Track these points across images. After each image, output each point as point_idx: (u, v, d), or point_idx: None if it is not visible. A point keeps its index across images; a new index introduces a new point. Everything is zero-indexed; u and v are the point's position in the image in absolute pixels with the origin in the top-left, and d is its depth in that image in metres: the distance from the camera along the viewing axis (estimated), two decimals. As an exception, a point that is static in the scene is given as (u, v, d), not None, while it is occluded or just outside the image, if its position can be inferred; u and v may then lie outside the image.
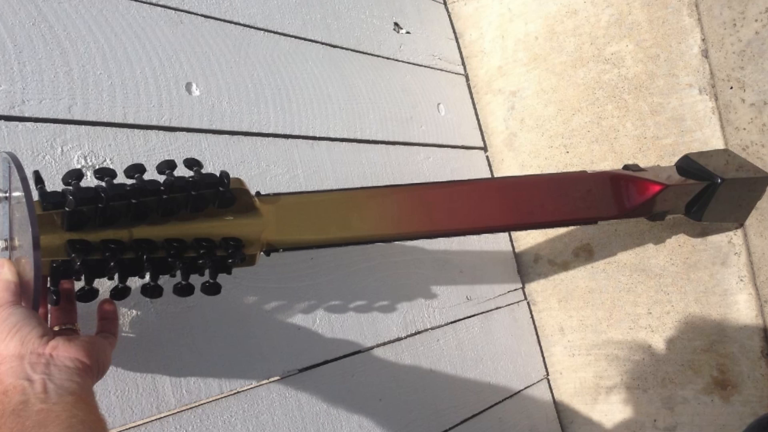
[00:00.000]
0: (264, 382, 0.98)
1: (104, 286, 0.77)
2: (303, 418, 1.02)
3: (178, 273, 0.75)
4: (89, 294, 0.71)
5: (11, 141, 0.80)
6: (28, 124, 0.82)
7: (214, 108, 1.05)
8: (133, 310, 0.86)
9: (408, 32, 1.54)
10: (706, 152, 1.32)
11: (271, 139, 1.12)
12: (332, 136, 1.24)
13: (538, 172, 1.60)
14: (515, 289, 1.62)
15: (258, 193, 0.85)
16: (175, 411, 0.87)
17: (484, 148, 1.70)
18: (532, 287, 1.66)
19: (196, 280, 0.77)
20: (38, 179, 0.67)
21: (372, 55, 1.42)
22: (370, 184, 1.27)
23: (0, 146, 0.79)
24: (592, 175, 1.14)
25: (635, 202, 1.14)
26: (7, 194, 0.68)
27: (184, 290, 0.77)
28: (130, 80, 0.95)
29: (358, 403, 1.11)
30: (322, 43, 1.29)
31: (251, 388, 0.96)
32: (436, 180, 1.29)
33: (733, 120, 1.35)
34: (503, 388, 1.46)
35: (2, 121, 0.80)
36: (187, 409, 0.88)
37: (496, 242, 1.63)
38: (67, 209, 0.66)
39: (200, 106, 1.03)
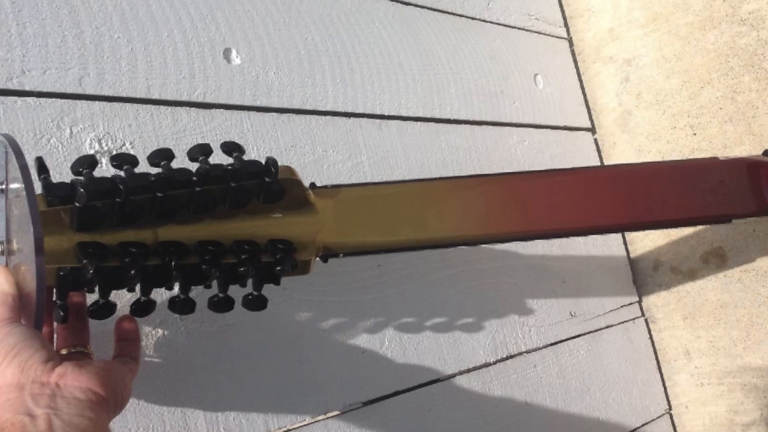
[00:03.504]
0: (320, 417, 0.99)
1: (123, 299, 0.78)
2: (368, 462, 1.03)
3: (215, 283, 0.75)
4: (105, 309, 0.71)
5: (8, 120, 0.80)
6: (29, 99, 0.82)
7: (259, 80, 1.05)
8: (159, 330, 0.87)
9: (497, -14, 1.56)
10: None
11: (328, 118, 1.13)
12: (404, 114, 1.24)
13: (658, 158, 1.61)
14: (630, 304, 1.61)
15: (313, 185, 0.85)
16: (211, 453, 0.89)
17: (592, 129, 1.69)
18: (651, 301, 1.65)
19: (236, 292, 0.77)
20: (42, 168, 0.67)
21: (453, 14, 1.43)
22: (450, 173, 1.27)
23: None
24: (725, 162, 1.15)
25: (779, 195, 1.14)
26: (4, 186, 0.67)
27: (221, 304, 0.76)
28: (154, 45, 0.95)
29: (437, 444, 1.11)
30: None
31: (305, 425, 0.97)
32: (532, 168, 1.37)
33: None
34: (615, 425, 1.47)
35: None
36: (226, 451, 0.90)
37: (607, 245, 1.61)
38: (77, 204, 0.66)
39: (241, 77, 1.03)
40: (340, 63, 1.17)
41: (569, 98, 1.65)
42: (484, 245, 1.26)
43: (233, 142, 0.77)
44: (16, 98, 0.81)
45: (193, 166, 0.73)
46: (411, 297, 1.15)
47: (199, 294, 0.77)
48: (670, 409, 1.62)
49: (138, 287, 0.71)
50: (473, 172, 1.28)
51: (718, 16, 1.50)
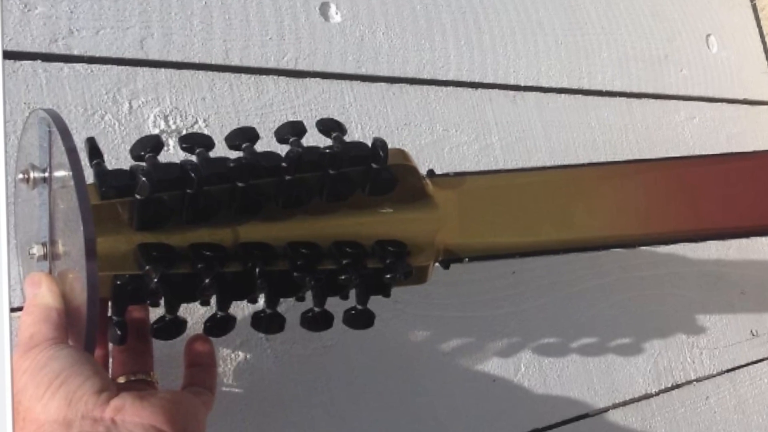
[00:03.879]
0: (440, 460, 0.98)
1: (195, 315, 0.79)
2: None
3: (309, 295, 0.73)
4: (172, 327, 0.69)
5: (53, 92, 0.80)
6: (78, 66, 0.81)
7: (364, 41, 1.05)
8: (240, 353, 0.86)
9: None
10: None
11: (450, 89, 1.11)
12: (545, 84, 1.23)
13: None
14: (827, 320, 1.55)
15: (431, 173, 0.82)
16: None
17: (778, 103, 1.63)
18: None
19: (335, 305, 0.74)
20: (94, 151, 0.65)
21: (606, -40, 1.41)
22: (602, 158, 1.26)
23: (35, 101, 0.78)
24: None
25: None
26: (47, 174, 0.65)
27: (317, 321, 0.74)
28: (235, -2, 0.95)
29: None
30: (530, -55, 1.31)
31: (423, 470, 0.96)
32: (703, 152, 1.34)
33: None
34: (808, 472, 1.45)
35: (39, 61, 0.79)
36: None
37: (797, 248, 1.57)
38: (138, 197, 0.63)
39: (342, 38, 1.03)
40: (465, 21, 1.16)
41: (750, 65, 1.60)
42: (643, 248, 1.24)
43: (332, 120, 0.75)
44: (62, 65, 0.80)
45: (283, 149, 0.71)
46: (553, 312, 1.13)
47: (290, 308, 0.77)
48: None
49: (214, 300, 0.69)
50: (630, 156, 1.29)
51: None
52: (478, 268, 1.03)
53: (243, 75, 0.93)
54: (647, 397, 1.19)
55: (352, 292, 0.74)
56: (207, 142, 0.68)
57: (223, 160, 0.67)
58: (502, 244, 0.84)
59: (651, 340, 1.22)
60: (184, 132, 0.86)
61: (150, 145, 0.66)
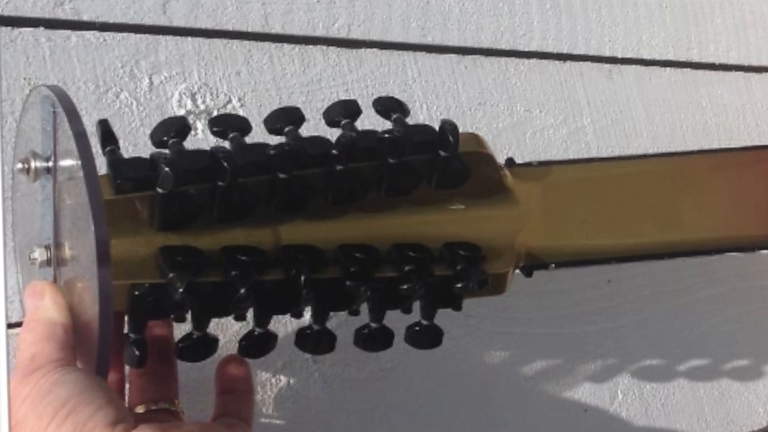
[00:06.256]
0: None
1: (228, 332, 0.79)
2: None
3: (364, 308, 0.72)
4: (201, 346, 0.68)
5: (58, 65, 0.79)
6: (89, 34, 0.81)
7: (431, 4, 1.05)
8: (282, 377, 0.86)
9: None
10: None
11: (534, 62, 1.12)
12: (646, 56, 1.23)
13: None
14: None
15: (511, 162, 0.82)
16: None
17: None
18: None
19: (396, 321, 0.73)
20: (107, 136, 0.65)
21: None
22: (715, 144, 1.26)
23: (37, 76, 0.78)
24: None
25: None
26: (51, 164, 0.65)
27: (375, 339, 0.73)
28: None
29: None
30: None
31: None
32: None
33: None
34: None
35: (41, 28, 0.78)
36: None
37: None
38: (160, 191, 0.63)
39: (405, 0, 1.04)
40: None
41: None
42: (765, 252, 1.13)
43: (392, 98, 0.75)
44: (69, 33, 0.80)
45: (333, 134, 0.70)
46: (656, 328, 1.13)
47: (342, 324, 0.79)
48: None
49: (250, 314, 0.69)
50: (749, 142, 1.25)
51: None
52: (566, 276, 1.03)
53: (285, 45, 0.93)
54: (769, 430, 1.16)
55: (416, 305, 0.73)
56: (242, 125, 0.68)
57: (262, 147, 0.66)
58: (595, 248, 0.84)
59: (776, 363, 1.19)
60: (215, 113, 0.86)
61: (174, 128, 0.66)
